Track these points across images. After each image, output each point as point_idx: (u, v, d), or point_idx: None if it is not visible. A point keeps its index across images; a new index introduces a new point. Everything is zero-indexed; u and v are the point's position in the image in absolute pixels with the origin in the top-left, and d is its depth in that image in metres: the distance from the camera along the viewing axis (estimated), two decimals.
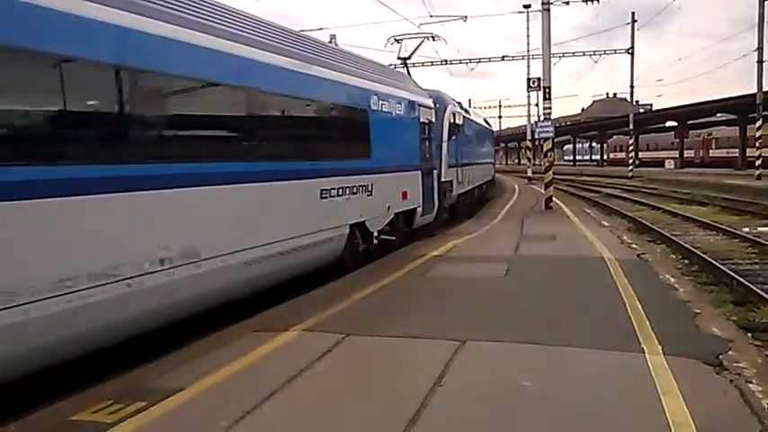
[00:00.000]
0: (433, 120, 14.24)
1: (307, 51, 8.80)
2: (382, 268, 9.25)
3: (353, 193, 9.59)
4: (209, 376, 4.62)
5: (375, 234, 10.60)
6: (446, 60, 39.06)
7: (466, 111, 21.33)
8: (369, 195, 10.19)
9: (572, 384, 4.35)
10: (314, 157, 8.52)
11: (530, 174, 40.27)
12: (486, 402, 4.07)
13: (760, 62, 30.49)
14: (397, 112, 11.83)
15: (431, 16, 40.65)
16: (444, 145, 15.41)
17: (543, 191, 19.80)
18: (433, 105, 14.39)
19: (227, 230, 6.50)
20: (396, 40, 17.57)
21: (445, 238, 12.59)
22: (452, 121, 16.39)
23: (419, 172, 12.84)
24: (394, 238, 11.42)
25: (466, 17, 33.16)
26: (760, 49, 30.44)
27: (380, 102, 10.95)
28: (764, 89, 30.65)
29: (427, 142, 13.64)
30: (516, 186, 32.48)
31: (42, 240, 4.49)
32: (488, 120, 39.11)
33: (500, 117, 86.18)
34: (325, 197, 8.67)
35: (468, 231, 13.72)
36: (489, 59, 41.31)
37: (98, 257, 4.92)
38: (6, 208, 4.25)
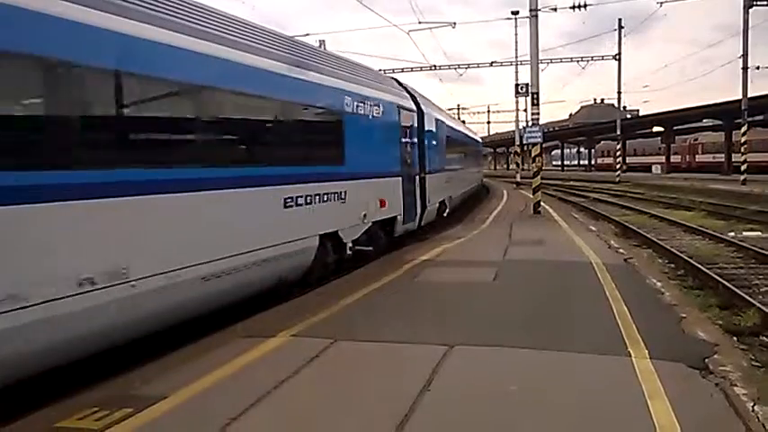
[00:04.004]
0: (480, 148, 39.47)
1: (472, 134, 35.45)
2: (371, 273, 9.24)
3: (477, 173, 34.02)
4: (196, 383, 4.59)
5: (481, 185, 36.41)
6: (435, 66, 39.25)
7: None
8: (479, 174, 36.02)
9: (559, 388, 4.36)
10: (475, 163, 33.64)
11: (518, 179, 40.43)
12: (473, 407, 4.07)
13: (745, 68, 30.84)
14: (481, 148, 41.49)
15: (420, 23, 40.75)
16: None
17: (531, 196, 19.89)
18: (480, 140, 41.97)
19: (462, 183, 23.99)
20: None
21: (434, 243, 12.60)
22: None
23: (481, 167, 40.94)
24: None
25: (454, 24, 33.54)
26: (745, 55, 30.78)
27: (476, 146, 35.18)
28: (750, 95, 31.02)
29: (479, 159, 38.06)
30: (505, 191, 32.59)
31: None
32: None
33: (488, 123, 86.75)
34: (471, 175, 28.62)
35: (456, 236, 13.75)
36: (478, 65, 41.59)
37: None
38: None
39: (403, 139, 12.65)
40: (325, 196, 8.92)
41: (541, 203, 19.43)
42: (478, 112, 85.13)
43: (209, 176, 6.42)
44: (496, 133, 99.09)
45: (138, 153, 5.70)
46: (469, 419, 3.88)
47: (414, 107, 13.73)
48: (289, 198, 7.91)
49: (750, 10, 30.01)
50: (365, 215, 10.47)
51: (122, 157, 5.43)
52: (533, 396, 4.21)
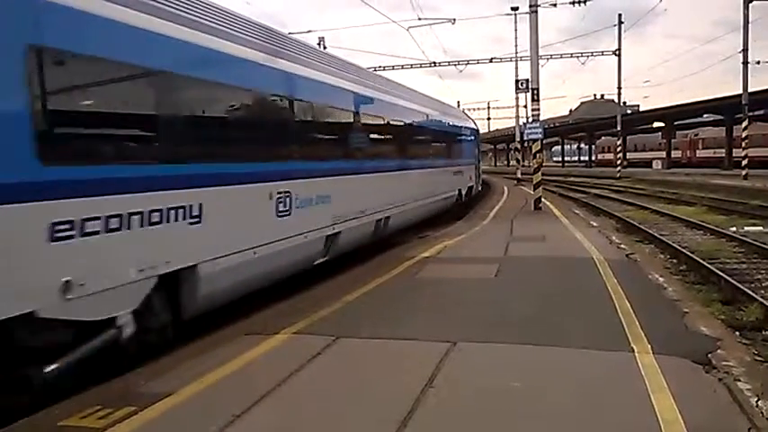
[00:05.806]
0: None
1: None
2: (373, 270, 9.24)
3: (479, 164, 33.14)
4: (199, 380, 4.59)
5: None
6: (435, 62, 39.21)
7: None
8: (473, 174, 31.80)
9: (562, 384, 4.36)
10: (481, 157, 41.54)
11: (519, 175, 40.31)
12: (476, 403, 4.07)
13: (745, 63, 30.84)
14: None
15: (419, 19, 40.65)
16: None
17: (532, 192, 19.87)
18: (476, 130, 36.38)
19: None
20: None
21: (435, 240, 12.60)
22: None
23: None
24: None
25: (454, 20, 33.34)
26: (745, 50, 30.79)
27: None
28: (750, 90, 30.98)
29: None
30: (505, 188, 32.55)
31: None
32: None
33: (489, 119, 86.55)
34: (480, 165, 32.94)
35: (458, 233, 13.74)
36: (478, 61, 41.49)
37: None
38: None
39: (472, 144, 24.48)
40: (458, 172, 20.59)
41: (542, 199, 19.42)
42: (478, 108, 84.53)
43: (439, 164, 17.76)
44: (497, 129, 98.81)
45: (428, 154, 16.93)
46: (472, 416, 3.87)
47: (475, 126, 26.72)
48: (452, 171, 19.48)
49: (750, 5, 30.00)
50: (465, 182, 22.04)
51: (411, 155, 14.82)
52: (536, 392, 4.21)
